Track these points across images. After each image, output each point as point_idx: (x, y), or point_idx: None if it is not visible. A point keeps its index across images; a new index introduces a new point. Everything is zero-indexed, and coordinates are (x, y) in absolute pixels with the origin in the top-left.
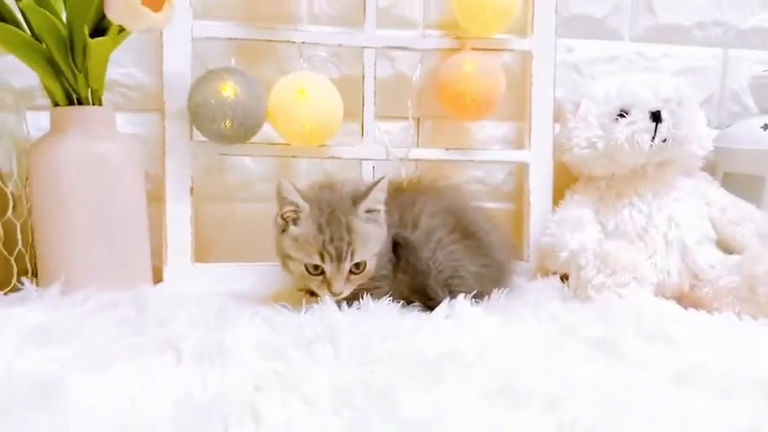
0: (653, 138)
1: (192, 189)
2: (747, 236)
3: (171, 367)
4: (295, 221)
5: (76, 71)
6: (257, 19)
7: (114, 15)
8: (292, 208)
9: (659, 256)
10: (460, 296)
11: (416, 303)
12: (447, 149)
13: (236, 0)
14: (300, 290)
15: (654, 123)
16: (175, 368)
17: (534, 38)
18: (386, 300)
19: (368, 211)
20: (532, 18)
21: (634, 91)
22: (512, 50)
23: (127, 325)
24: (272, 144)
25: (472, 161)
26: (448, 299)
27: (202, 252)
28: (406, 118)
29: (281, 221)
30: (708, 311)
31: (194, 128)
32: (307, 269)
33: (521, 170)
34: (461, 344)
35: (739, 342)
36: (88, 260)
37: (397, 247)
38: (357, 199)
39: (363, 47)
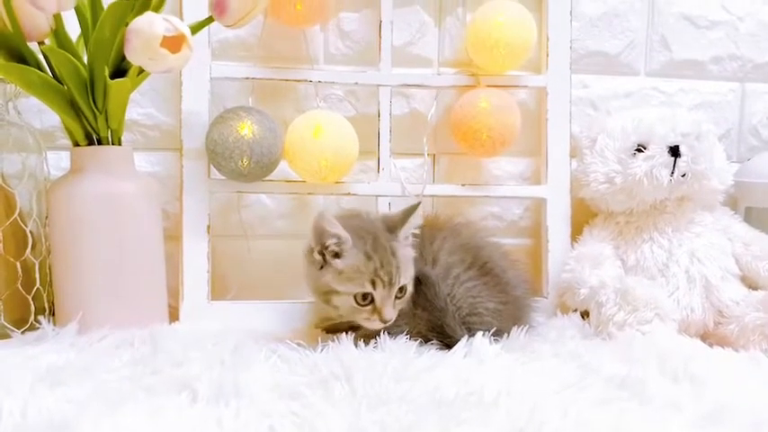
0: (672, 172)
1: (209, 227)
2: None
3: (185, 408)
4: (338, 254)
5: (97, 112)
6: (274, 59)
7: (134, 57)
8: (335, 240)
9: (681, 292)
10: (479, 334)
11: (434, 341)
12: (463, 185)
13: (253, 40)
14: (318, 327)
15: (673, 158)
16: (190, 408)
17: (549, 74)
18: (403, 338)
19: (405, 237)
20: (547, 55)
21: (651, 125)
22: (526, 87)
23: (142, 364)
24: (288, 181)
25: (488, 197)
26: (466, 337)
27: (220, 289)
28: (422, 155)
29: (317, 257)
30: (734, 349)
31: (212, 166)
32: (356, 300)
33: (537, 206)
34: (480, 384)
35: (765, 381)
36: (105, 299)
37: (417, 284)
38: (395, 225)
39: (379, 85)
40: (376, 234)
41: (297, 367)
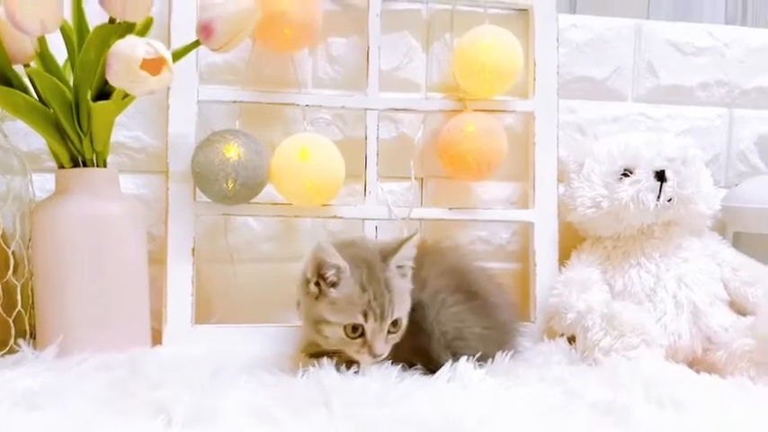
0: (658, 197)
1: (194, 249)
2: (761, 297)
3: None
4: (335, 284)
5: (82, 134)
6: (263, 82)
7: (115, 80)
8: (333, 271)
9: (669, 318)
10: (463, 359)
11: (418, 366)
12: (450, 209)
13: (241, 64)
14: (304, 351)
15: (659, 182)
16: None
17: (536, 99)
18: (386, 362)
19: (398, 267)
20: (534, 80)
21: (637, 150)
22: (514, 112)
23: (119, 387)
24: (274, 204)
25: (476, 220)
26: (451, 361)
27: (206, 313)
28: (410, 178)
29: (314, 289)
30: (721, 376)
31: (198, 189)
32: (346, 332)
33: (525, 230)
34: (462, 409)
35: (751, 408)
36: (86, 322)
37: None
38: (388, 254)
39: (366, 109)
40: (372, 264)
41: (276, 392)
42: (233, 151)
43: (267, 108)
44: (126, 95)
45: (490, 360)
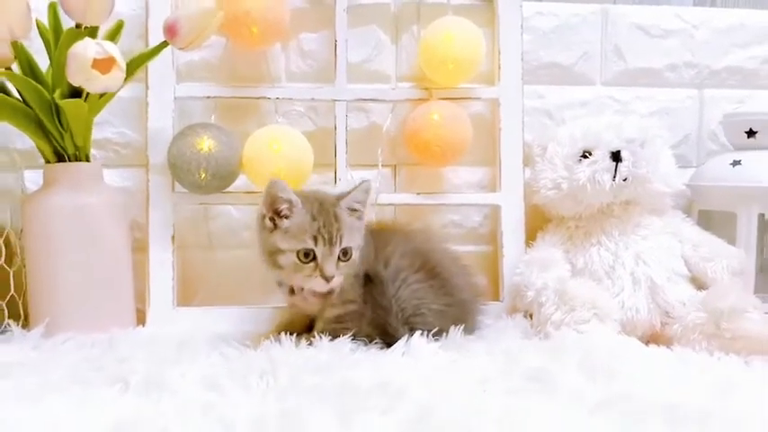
0: (614, 177)
1: (173, 237)
2: (719, 272)
3: (114, 398)
4: (288, 217)
5: (62, 131)
6: (239, 78)
7: (73, 79)
8: (287, 205)
9: (627, 294)
10: (418, 333)
11: (378, 341)
12: (418, 194)
13: (217, 61)
14: (275, 330)
15: (614, 163)
16: (118, 399)
17: (501, 86)
18: (348, 338)
19: (350, 209)
20: (499, 67)
21: (598, 133)
22: (479, 99)
23: (91, 362)
24: (248, 192)
25: (443, 204)
26: (407, 336)
27: (191, 297)
28: (383, 166)
29: (269, 223)
30: (668, 348)
31: (174, 179)
32: (298, 257)
33: (496, 213)
34: (397, 377)
35: (680, 376)
36: (74, 304)
37: (367, 282)
38: (340, 197)
39: (335, 100)
40: (323, 201)
41: (233, 363)
42: (204, 144)
43: (243, 102)
44: (103, 95)
45: (445, 335)
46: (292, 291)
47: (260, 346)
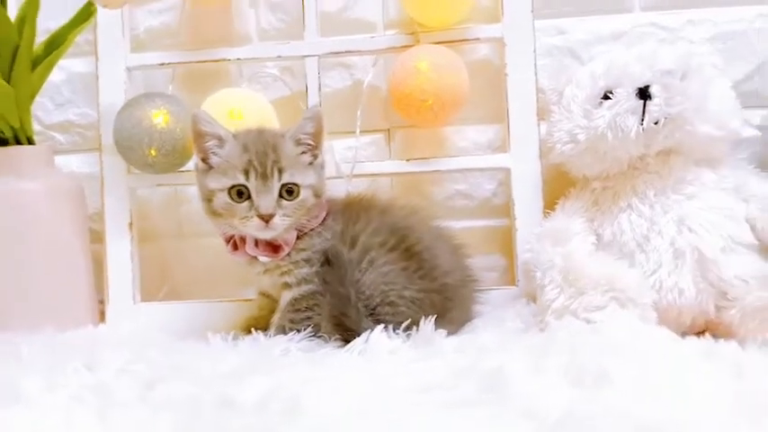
0: (642, 120)
1: (131, 224)
2: None
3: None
4: (216, 154)
5: None
6: (204, 41)
7: None
8: (215, 141)
9: (665, 271)
10: (379, 328)
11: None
12: (407, 161)
13: (180, 26)
14: (237, 327)
15: (641, 101)
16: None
17: (505, 22)
18: (305, 331)
19: (296, 142)
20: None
21: (624, 66)
22: (478, 40)
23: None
24: None
25: (438, 171)
26: (371, 331)
27: (160, 289)
28: (373, 131)
29: (201, 164)
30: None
31: (124, 159)
32: (230, 196)
33: (508, 178)
34: (312, 388)
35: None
36: (11, 300)
37: (327, 263)
38: (287, 131)
39: (304, 56)
40: (262, 132)
41: (175, 360)
42: (150, 116)
43: (207, 69)
44: (35, 66)
45: (415, 329)
46: (236, 246)
47: (191, 349)
